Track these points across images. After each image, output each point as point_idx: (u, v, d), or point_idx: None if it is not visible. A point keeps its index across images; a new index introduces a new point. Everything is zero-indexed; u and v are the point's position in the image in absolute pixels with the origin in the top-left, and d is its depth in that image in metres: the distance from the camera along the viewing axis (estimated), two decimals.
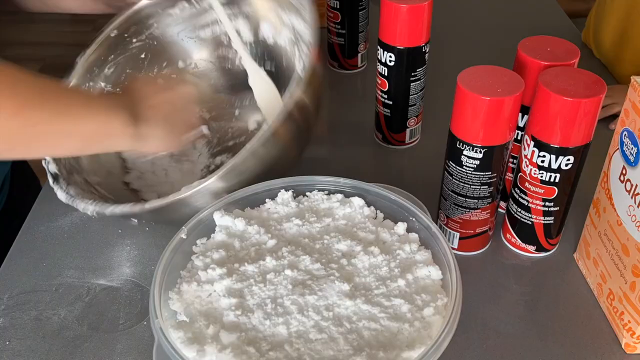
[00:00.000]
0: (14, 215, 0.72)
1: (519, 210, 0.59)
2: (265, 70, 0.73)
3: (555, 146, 0.53)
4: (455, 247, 0.62)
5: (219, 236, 0.53)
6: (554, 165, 0.54)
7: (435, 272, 0.49)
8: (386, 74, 0.70)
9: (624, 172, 0.51)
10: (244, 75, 0.73)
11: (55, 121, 0.48)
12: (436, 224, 0.53)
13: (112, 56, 0.72)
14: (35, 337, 0.55)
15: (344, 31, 0.88)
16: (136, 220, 0.66)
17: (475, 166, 0.55)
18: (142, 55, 0.74)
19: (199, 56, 0.78)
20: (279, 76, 0.73)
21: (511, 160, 0.62)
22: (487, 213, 0.59)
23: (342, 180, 0.56)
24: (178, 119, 0.59)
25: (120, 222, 0.66)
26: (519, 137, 0.60)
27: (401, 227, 0.53)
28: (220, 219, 0.53)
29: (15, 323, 0.56)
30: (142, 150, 0.57)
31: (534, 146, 0.54)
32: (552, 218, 0.58)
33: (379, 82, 0.72)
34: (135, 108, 0.54)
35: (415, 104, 0.73)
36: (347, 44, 0.89)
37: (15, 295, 0.59)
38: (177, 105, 0.59)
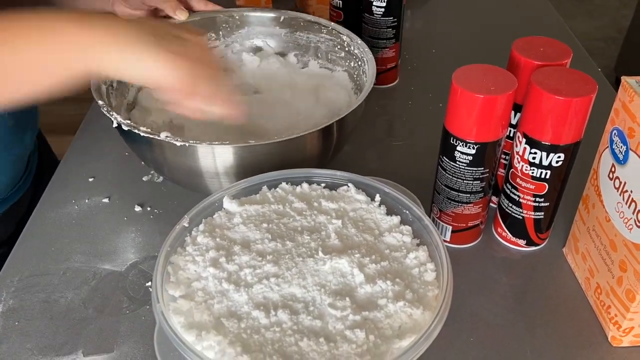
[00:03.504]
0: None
1: (510, 205, 0.58)
2: None
3: (547, 143, 0.52)
4: (448, 239, 0.61)
5: (217, 222, 0.52)
6: (545, 162, 0.53)
7: (427, 264, 0.48)
8: None
9: (613, 169, 0.50)
10: None
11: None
12: (429, 217, 0.52)
13: None
14: (43, 319, 0.54)
15: None
16: (140, 208, 0.65)
17: (468, 162, 0.54)
18: None
19: None
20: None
21: (503, 156, 0.61)
22: (479, 207, 0.58)
23: (338, 173, 0.55)
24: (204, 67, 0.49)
25: (126, 210, 0.65)
26: (511, 134, 0.59)
27: (395, 219, 0.52)
28: (227, 204, 0.53)
29: (25, 304, 0.55)
30: (148, 81, 0.48)
31: (526, 143, 0.53)
32: (542, 213, 0.57)
33: None
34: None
35: None
36: None
37: (25, 278, 0.58)
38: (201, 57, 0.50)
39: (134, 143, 0.60)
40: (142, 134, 0.55)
